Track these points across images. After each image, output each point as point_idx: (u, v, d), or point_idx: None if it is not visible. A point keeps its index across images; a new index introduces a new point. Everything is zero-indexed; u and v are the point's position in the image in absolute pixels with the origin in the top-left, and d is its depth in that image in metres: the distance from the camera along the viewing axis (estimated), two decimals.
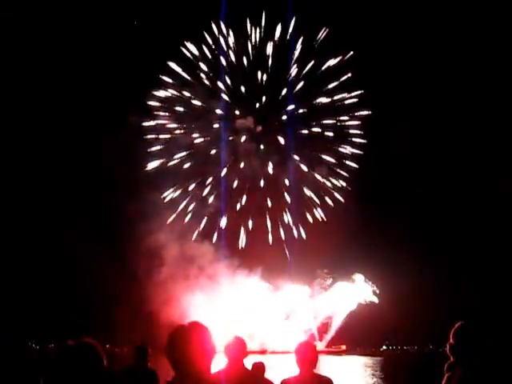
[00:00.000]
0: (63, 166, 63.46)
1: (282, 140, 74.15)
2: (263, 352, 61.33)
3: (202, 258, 67.22)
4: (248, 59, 74.99)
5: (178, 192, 71.87)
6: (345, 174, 72.40)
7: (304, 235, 72.00)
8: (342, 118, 73.56)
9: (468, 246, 63.01)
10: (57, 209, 62.17)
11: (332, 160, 72.95)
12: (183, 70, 73.05)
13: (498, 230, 62.66)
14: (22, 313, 56.83)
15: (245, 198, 73.03)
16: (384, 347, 76.73)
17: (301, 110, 74.67)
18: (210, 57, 74.25)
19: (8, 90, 60.79)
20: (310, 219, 72.35)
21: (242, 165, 73.66)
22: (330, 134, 73.59)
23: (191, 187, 72.80)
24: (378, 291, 71.68)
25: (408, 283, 62.04)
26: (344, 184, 71.95)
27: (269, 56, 74.41)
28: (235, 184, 73.40)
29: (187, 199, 72.24)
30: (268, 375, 5.72)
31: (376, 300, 71.49)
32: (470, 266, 64.35)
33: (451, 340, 3.93)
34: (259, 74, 74.36)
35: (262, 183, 73.71)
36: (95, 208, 62.40)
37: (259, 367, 5.71)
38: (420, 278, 63.97)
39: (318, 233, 68.66)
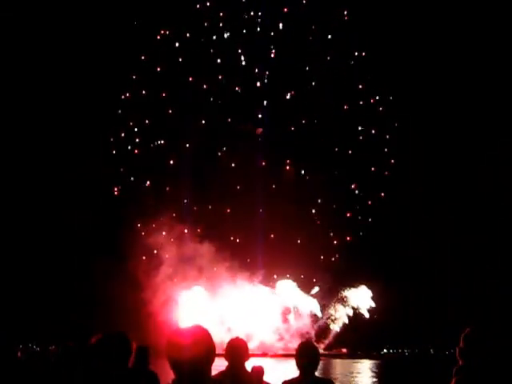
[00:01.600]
0: (63, 166, 63.51)
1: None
2: (264, 355, 61.19)
3: (202, 258, 66.18)
4: (243, 49, 64.89)
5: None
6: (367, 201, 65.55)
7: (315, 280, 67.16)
8: (365, 129, 64.91)
9: (467, 246, 62.96)
10: (56, 208, 62.21)
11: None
12: (157, 64, 62.68)
13: (498, 229, 62.63)
14: (21, 314, 56.78)
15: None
16: (385, 350, 76.44)
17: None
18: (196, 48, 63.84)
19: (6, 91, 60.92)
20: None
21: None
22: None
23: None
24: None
25: (408, 285, 62.03)
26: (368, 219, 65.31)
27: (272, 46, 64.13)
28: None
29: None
30: (268, 378, 5.72)
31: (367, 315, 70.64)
32: (470, 267, 64.30)
33: (461, 344, 3.90)
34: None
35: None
36: (94, 208, 62.44)
37: (259, 371, 5.70)
38: (421, 280, 63.95)
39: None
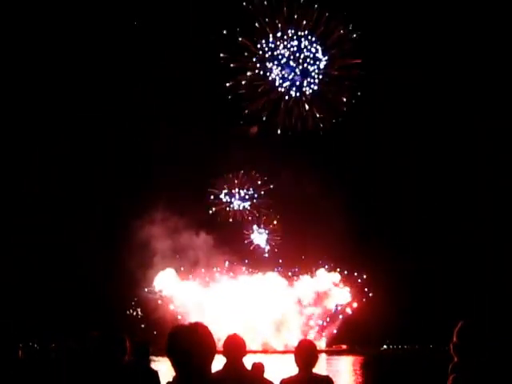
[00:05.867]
0: (64, 167, 63.63)
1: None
2: (264, 352, 61.20)
3: (200, 251, 65.54)
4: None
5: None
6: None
7: None
8: None
9: (466, 245, 63.02)
10: (57, 208, 62.29)
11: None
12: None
13: (498, 228, 62.68)
14: (21, 312, 56.88)
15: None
16: (385, 346, 76.58)
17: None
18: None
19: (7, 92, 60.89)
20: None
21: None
22: None
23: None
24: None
25: (408, 281, 62.09)
26: None
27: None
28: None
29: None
30: (268, 375, 5.73)
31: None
32: (469, 265, 64.36)
33: (454, 339, 3.76)
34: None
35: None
36: (92, 207, 62.60)
37: (259, 367, 5.71)
38: (421, 276, 64.05)
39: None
